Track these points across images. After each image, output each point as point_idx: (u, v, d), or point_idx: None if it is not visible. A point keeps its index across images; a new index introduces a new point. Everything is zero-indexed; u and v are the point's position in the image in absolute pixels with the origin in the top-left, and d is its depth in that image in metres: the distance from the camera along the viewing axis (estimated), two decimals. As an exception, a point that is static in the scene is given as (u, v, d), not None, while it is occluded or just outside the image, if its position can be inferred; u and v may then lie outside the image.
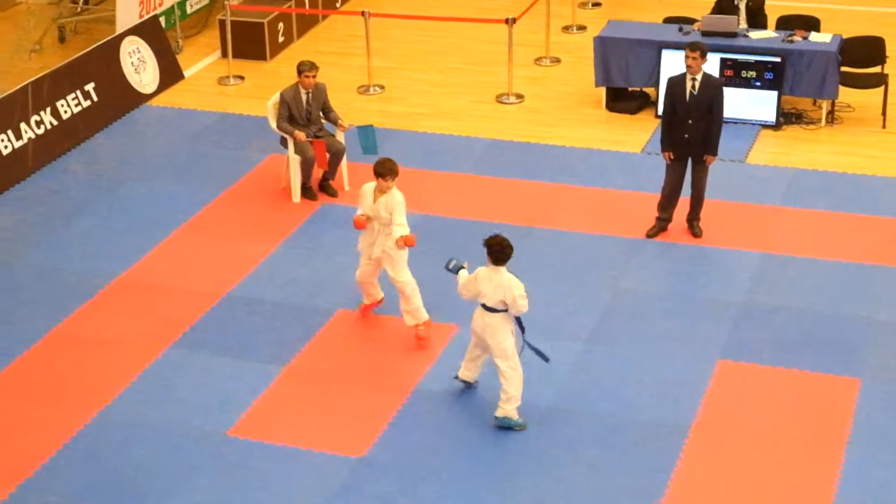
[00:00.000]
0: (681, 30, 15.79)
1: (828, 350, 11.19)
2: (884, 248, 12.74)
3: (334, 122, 13.95)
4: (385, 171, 11.11)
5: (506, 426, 10.30)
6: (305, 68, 13.68)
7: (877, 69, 15.62)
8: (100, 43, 16.56)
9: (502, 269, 10.13)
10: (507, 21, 16.42)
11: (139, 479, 9.86)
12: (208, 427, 10.40)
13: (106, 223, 13.67)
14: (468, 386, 10.77)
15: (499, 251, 10.09)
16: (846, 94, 15.51)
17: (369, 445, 10.14)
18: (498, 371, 10.26)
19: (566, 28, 18.75)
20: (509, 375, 10.21)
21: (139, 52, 16.94)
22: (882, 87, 15.33)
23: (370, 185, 11.26)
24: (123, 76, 16.57)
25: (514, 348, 10.24)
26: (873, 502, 9.43)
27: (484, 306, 10.18)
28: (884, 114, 15.37)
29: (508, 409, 10.28)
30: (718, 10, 16.14)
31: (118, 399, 10.78)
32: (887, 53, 15.61)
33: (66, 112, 15.55)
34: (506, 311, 10.14)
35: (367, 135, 13.90)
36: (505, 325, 10.19)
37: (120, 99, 16.39)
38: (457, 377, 10.76)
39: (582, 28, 18.71)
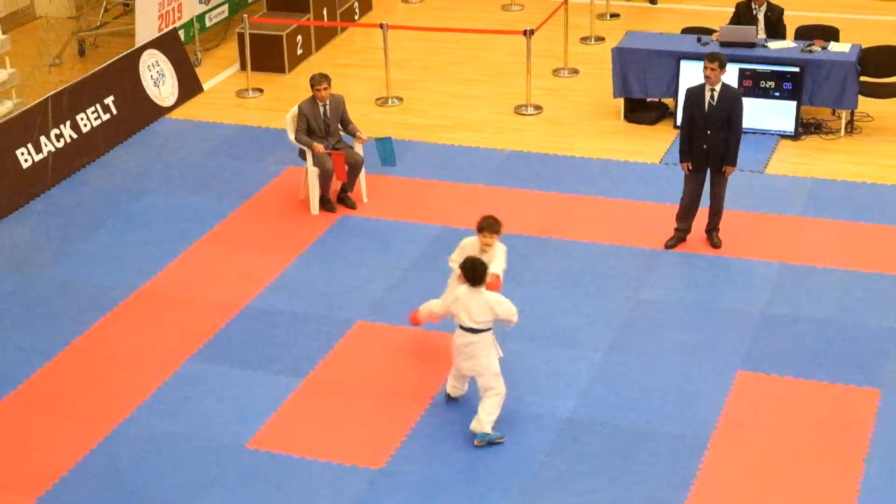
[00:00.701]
0: (699, 40, 15.78)
1: (848, 361, 11.15)
2: (904, 258, 12.72)
3: (353, 134, 13.97)
4: (486, 226, 10.76)
5: (486, 441, 10.25)
6: (317, 81, 13.69)
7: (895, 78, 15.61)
8: (119, 56, 16.62)
9: (482, 288, 10.04)
10: (525, 32, 16.44)
11: (158, 491, 9.86)
12: (227, 439, 10.40)
13: (125, 236, 13.71)
14: (451, 400, 10.74)
15: (471, 273, 9.98)
16: (865, 104, 15.47)
17: (388, 457, 10.13)
18: (479, 390, 10.25)
19: (584, 39, 18.76)
20: (490, 398, 10.20)
21: (158, 65, 17.00)
22: (901, 97, 15.32)
23: (470, 240, 10.94)
24: (143, 89, 16.64)
25: (497, 368, 10.22)
26: (894, 513, 9.40)
27: (463, 328, 10.12)
28: (903, 123, 15.36)
29: (484, 426, 10.21)
30: (737, 20, 16.13)
31: (137, 411, 10.79)
32: (907, 63, 15.60)
33: (85, 125, 15.61)
34: (489, 329, 10.11)
35: (385, 146, 13.96)
36: (489, 344, 10.18)
37: (139, 112, 16.45)
38: (446, 393, 10.77)
39: (600, 39, 18.71)
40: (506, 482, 9.83)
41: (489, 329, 10.15)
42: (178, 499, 9.76)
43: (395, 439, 10.33)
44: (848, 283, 12.31)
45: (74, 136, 15.43)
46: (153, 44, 17.09)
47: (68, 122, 15.41)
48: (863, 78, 15.29)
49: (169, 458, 10.21)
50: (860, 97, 15.21)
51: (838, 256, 12.78)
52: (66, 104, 15.46)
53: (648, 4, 20.18)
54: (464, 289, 10.10)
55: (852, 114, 15.45)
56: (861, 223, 13.40)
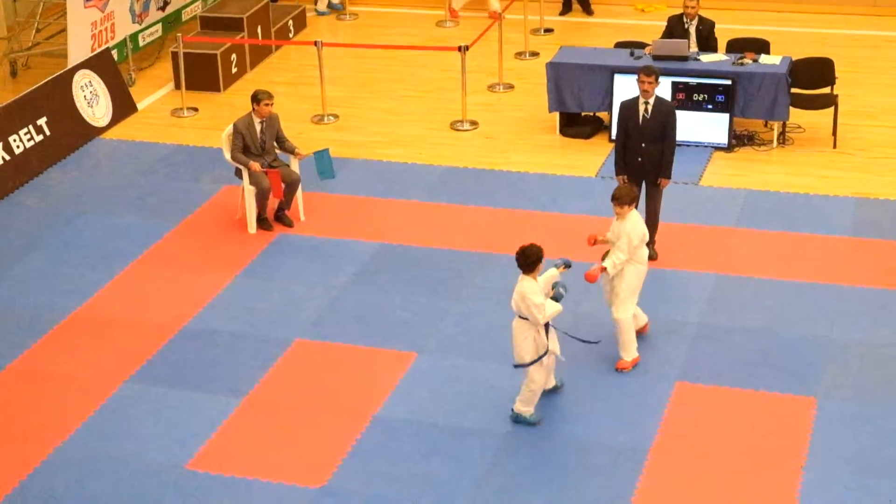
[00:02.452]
0: (632, 54, 15.89)
1: (784, 370, 11.26)
2: (837, 267, 12.84)
3: (290, 152, 13.95)
4: (622, 195, 11.11)
5: (518, 421, 10.67)
6: (264, 97, 13.67)
7: (826, 90, 15.75)
8: (52, 77, 16.51)
9: (522, 276, 10.38)
10: (459, 48, 16.49)
11: (98, 514, 9.79)
12: (167, 461, 10.33)
13: (61, 257, 13.60)
14: (555, 389, 11.06)
15: (520, 257, 10.39)
16: (797, 116, 15.65)
17: (329, 475, 10.10)
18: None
19: (519, 54, 18.84)
20: (524, 386, 10.58)
21: (92, 85, 16.89)
22: (832, 108, 15.47)
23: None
24: (76, 110, 16.52)
25: (531, 358, 10.43)
26: (832, 520, 9.50)
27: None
28: (834, 134, 15.51)
29: (521, 407, 10.64)
30: (669, 34, 16.26)
31: (75, 435, 10.69)
32: (836, 74, 15.76)
33: (18, 147, 15.48)
34: (525, 318, 10.39)
35: (323, 159, 13.94)
36: (523, 332, 10.39)
37: (73, 133, 16.33)
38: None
39: (535, 54, 18.80)
40: (447, 498, 9.82)
41: (526, 318, 10.33)
42: (118, 522, 9.69)
43: (336, 457, 10.31)
44: (782, 293, 12.43)
45: (7, 157, 15.29)
46: (86, 64, 16.98)
47: (0, 144, 15.27)
48: (794, 90, 15.46)
49: (108, 482, 10.11)
50: (791, 109, 15.38)
51: (773, 267, 12.90)
52: (-2, 126, 15.34)
53: (583, 19, 20.27)
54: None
55: (784, 125, 15.61)
56: (795, 233, 13.54)
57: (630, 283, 11.18)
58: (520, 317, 10.42)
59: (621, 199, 11.09)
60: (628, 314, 11.24)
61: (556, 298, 10.53)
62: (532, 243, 10.37)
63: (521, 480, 9.99)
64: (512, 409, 10.71)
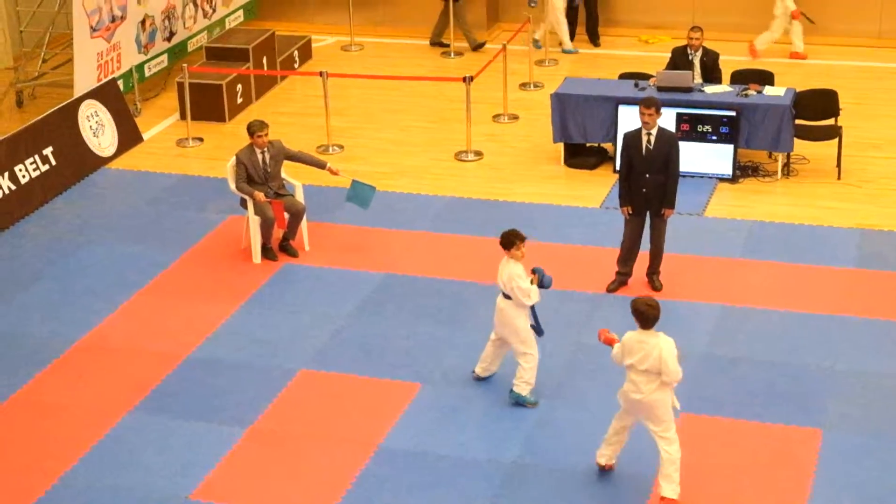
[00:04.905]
0: (636, 85, 15.93)
1: (789, 401, 11.24)
2: (841, 299, 12.83)
3: (321, 166, 14.05)
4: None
5: (518, 402, 11.16)
6: (256, 129, 13.71)
7: (830, 121, 15.79)
8: (58, 107, 16.56)
9: (506, 257, 11.00)
10: (464, 79, 16.53)
11: (101, 545, 9.77)
12: (170, 491, 10.31)
13: (65, 287, 13.60)
14: (479, 379, 11.61)
15: (503, 239, 10.98)
16: (801, 147, 15.67)
17: (333, 506, 10.10)
18: (514, 355, 11.18)
19: (523, 85, 18.89)
20: (522, 362, 11.10)
21: (97, 115, 16.94)
22: (836, 140, 15.50)
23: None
24: (82, 140, 16.56)
25: (526, 333, 11.04)
26: (838, 553, 9.47)
27: (502, 292, 11.07)
28: (838, 165, 15.53)
29: (521, 388, 11.12)
30: (673, 65, 16.31)
31: (79, 465, 10.67)
32: (840, 106, 15.79)
33: (24, 177, 15.51)
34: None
35: (363, 191, 14.01)
36: (514, 311, 11.00)
37: (78, 162, 16.37)
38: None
39: (539, 85, 18.85)
40: (452, 529, 9.82)
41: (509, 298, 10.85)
42: (121, 552, 9.67)
43: (340, 488, 10.28)
44: (788, 324, 12.41)
45: (13, 187, 15.32)
46: (92, 94, 17.03)
47: (6, 174, 15.31)
48: (798, 121, 15.48)
49: (111, 512, 10.10)
50: (796, 140, 15.40)
51: (778, 298, 12.89)
52: (3, 155, 15.36)
53: (588, 50, 20.33)
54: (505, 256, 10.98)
55: (788, 156, 15.63)
56: (799, 265, 13.54)
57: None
58: (504, 295, 11.00)
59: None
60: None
61: (542, 285, 11.01)
62: (513, 228, 10.99)
63: (525, 512, 9.98)
64: (511, 391, 11.08)
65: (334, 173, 14.13)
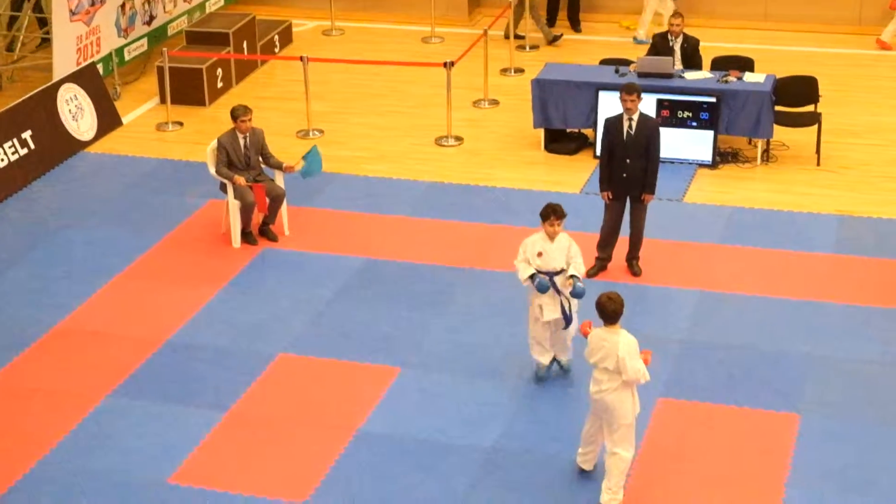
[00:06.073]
0: (617, 71, 15.94)
1: (767, 386, 11.28)
2: (820, 284, 12.88)
3: (278, 167, 13.95)
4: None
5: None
6: (240, 113, 13.69)
7: (810, 108, 15.83)
8: (37, 90, 16.49)
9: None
10: (445, 64, 16.52)
11: (79, 528, 9.76)
12: (149, 475, 10.30)
13: (44, 271, 13.57)
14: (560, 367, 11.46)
15: None
16: (781, 133, 15.71)
17: (311, 490, 10.08)
18: None
19: (504, 71, 18.88)
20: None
21: (77, 99, 16.89)
22: (815, 126, 15.54)
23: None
24: (61, 123, 16.51)
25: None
26: (814, 537, 9.52)
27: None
28: (818, 152, 15.57)
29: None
30: (654, 51, 16.32)
31: (57, 449, 10.66)
32: (820, 93, 15.83)
33: (2, 160, 15.46)
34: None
35: (312, 160, 13.90)
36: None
37: (58, 146, 16.31)
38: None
39: (520, 71, 18.84)
40: (430, 513, 9.83)
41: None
42: (100, 536, 9.67)
43: (319, 472, 10.29)
44: (766, 310, 12.46)
45: (-9, 171, 15.29)
46: (71, 78, 16.97)
47: (-15, 157, 15.28)
48: (778, 107, 15.52)
49: (90, 496, 10.08)
50: (775, 126, 15.44)
51: (756, 283, 12.94)
52: (-18, 139, 15.32)
53: (569, 35, 20.31)
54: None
55: (768, 143, 15.67)
56: (778, 250, 13.58)
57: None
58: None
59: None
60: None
61: (575, 294, 10.86)
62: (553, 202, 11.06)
63: (505, 497, 9.98)
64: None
65: (290, 168, 14.00)
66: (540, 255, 10.96)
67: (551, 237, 10.98)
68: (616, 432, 9.63)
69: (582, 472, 10.18)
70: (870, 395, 11.15)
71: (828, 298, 12.62)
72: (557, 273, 10.97)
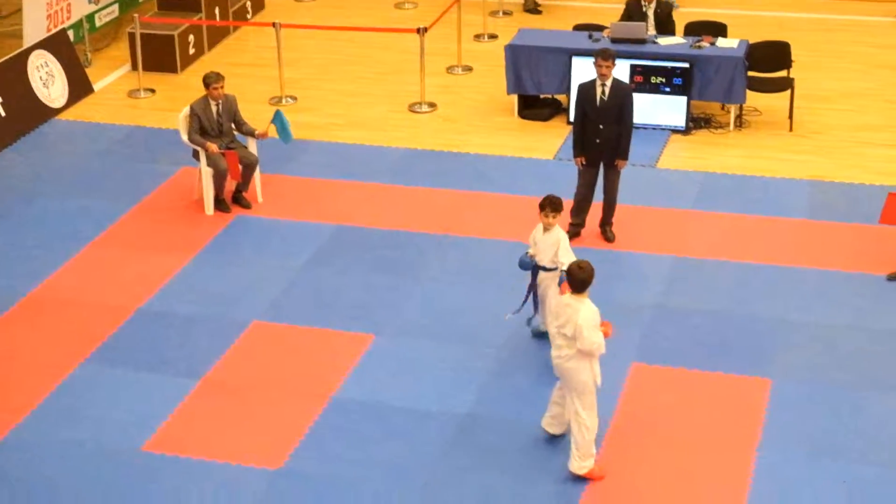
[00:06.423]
0: (590, 37, 15.93)
1: (740, 351, 11.34)
2: (793, 250, 12.95)
3: (250, 134, 13.91)
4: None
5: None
6: (212, 80, 13.63)
7: (783, 73, 15.87)
8: (7, 57, 16.39)
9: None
10: (418, 31, 16.48)
11: (53, 497, 9.73)
12: (123, 443, 10.30)
13: (16, 239, 13.52)
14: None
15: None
16: (753, 99, 15.75)
17: (286, 456, 10.10)
18: None
19: (477, 37, 18.85)
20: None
21: (47, 66, 16.78)
22: (788, 91, 15.58)
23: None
24: (32, 90, 16.41)
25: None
26: (785, 500, 9.56)
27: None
28: (790, 117, 15.62)
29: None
30: (627, 17, 16.31)
31: (30, 417, 10.64)
32: (793, 58, 15.86)
33: (-27, 128, 15.39)
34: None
35: (281, 124, 13.86)
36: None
37: (28, 114, 16.22)
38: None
39: (493, 36, 18.82)
40: (406, 479, 9.85)
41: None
42: (74, 504, 9.66)
43: (294, 439, 10.32)
44: (739, 275, 12.51)
45: (-38, 138, 15.19)
46: (42, 44, 16.87)
47: (-45, 125, 15.18)
48: (750, 73, 15.55)
49: (64, 464, 10.08)
50: (748, 92, 15.47)
51: (729, 249, 12.99)
52: (-48, 106, 15.23)
53: (543, 0, 20.27)
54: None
55: (741, 108, 15.70)
56: (751, 215, 13.63)
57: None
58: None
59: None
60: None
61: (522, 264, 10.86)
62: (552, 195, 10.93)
63: (479, 461, 10.03)
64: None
65: (262, 135, 13.97)
66: (535, 243, 10.98)
67: (545, 228, 10.93)
68: (577, 399, 9.64)
69: (550, 436, 10.21)
70: (841, 359, 11.23)
71: (800, 263, 12.68)
72: (542, 268, 11.00)
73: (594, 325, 9.46)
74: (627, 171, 13.46)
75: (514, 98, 16.20)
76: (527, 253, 10.96)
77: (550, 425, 10.21)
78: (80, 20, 18.06)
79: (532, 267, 10.94)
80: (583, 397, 9.63)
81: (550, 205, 10.82)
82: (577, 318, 9.42)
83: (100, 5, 18.58)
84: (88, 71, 17.65)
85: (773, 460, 9.97)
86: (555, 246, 10.88)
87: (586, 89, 12.76)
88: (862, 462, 9.94)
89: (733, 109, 15.68)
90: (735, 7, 19.49)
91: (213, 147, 13.60)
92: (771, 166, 14.72)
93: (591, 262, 9.71)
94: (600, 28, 16.39)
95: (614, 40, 15.64)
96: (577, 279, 9.48)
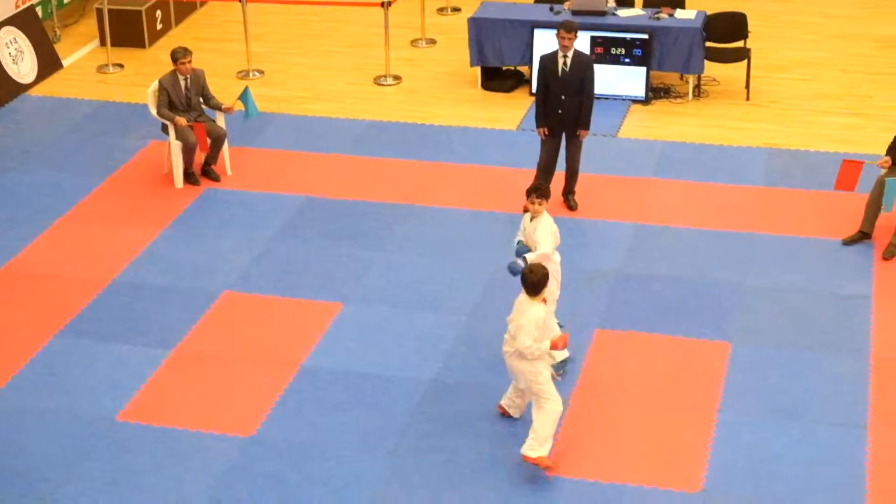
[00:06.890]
0: (552, 9, 16.11)
1: (700, 315, 11.57)
2: (751, 216, 13.18)
3: (217, 108, 14.05)
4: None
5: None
6: (180, 55, 13.76)
7: (739, 44, 16.07)
8: (-26, 34, 16.46)
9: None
10: (382, 4, 16.62)
11: (28, 467, 9.87)
12: (97, 413, 10.46)
13: (-13, 214, 13.64)
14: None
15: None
16: (711, 69, 15.96)
17: (258, 425, 10.28)
18: None
19: (441, 10, 18.99)
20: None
21: (16, 42, 16.85)
22: (745, 61, 15.79)
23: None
24: (1, 67, 16.47)
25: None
26: (745, 461, 9.79)
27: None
28: (747, 87, 15.84)
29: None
30: (588, -12, 16.47)
31: (5, 389, 10.79)
32: (749, 28, 16.07)
33: (-58, 104, 15.45)
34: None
35: (247, 100, 13.97)
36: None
37: (-3, 90, 16.31)
38: None
39: (456, 10, 18.96)
40: (375, 444, 10.04)
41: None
42: (49, 473, 9.79)
43: (265, 407, 10.50)
44: (699, 241, 12.74)
45: (-69, 115, 15.25)
46: (10, 21, 16.92)
47: (-76, 102, 15.24)
48: (708, 44, 15.75)
49: (38, 434, 10.22)
50: (706, 62, 15.68)
51: (689, 216, 13.21)
52: (-79, 83, 15.27)
53: None
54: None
55: (699, 78, 15.92)
56: (710, 183, 13.86)
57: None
58: None
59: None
60: None
61: (510, 270, 10.37)
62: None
63: (446, 427, 10.22)
64: None
65: (230, 109, 14.11)
66: (524, 231, 10.70)
67: (532, 215, 10.56)
68: (532, 392, 9.66)
69: (507, 416, 10.26)
70: (797, 322, 11.47)
71: (758, 230, 12.92)
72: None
73: (535, 328, 9.38)
74: (589, 141, 13.65)
75: (478, 70, 16.37)
76: (518, 241, 10.64)
77: (510, 406, 10.27)
78: (47, -4, 18.12)
79: (520, 272, 9.92)
80: (536, 389, 9.59)
81: (536, 191, 10.45)
82: (521, 318, 9.45)
83: (66, -19, 18.65)
84: (57, 46, 17.72)
85: (734, 421, 10.19)
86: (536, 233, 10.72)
87: (548, 61, 12.95)
88: (818, 420, 10.18)
89: (692, 79, 15.90)
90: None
91: (182, 120, 13.74)
92: (729, 135, 14.95)
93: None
94: (562, 0, 16.56)
95: (575, 12, 15.83)
96: (528, 282, 9.42)
